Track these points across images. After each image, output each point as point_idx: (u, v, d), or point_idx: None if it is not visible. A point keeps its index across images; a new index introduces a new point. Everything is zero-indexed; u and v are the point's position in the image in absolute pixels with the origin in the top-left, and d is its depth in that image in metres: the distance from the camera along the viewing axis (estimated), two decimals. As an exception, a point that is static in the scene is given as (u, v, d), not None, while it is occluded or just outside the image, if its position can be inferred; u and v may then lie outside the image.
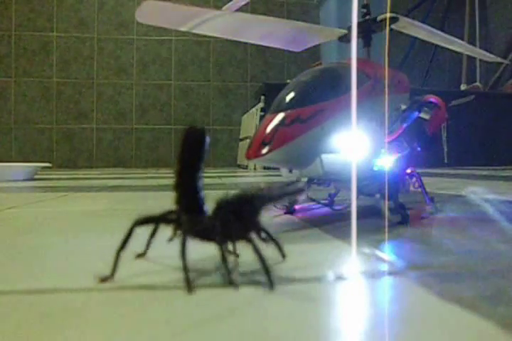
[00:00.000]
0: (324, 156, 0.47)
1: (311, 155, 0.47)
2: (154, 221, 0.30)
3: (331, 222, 0.54)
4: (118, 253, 0.28)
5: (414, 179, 0.61)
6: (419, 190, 0.61)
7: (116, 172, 2.88)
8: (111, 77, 4.13)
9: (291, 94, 0.48)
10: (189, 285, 0.25)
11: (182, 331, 0.20)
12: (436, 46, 4.31)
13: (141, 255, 0.33)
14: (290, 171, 0.51)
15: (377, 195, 0.50)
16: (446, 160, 0.94)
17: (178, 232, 0.29)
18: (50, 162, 2.44)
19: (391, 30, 0.63)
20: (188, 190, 0.28)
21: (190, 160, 0.28)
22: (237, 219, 0.27)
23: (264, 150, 0.44)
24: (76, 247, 0.40)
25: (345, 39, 0.59)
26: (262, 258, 0.26)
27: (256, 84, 4.03)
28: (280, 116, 0.46)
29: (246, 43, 4.22)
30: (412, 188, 0.62)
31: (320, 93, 0.48)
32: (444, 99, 0.79)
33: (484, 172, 2.05)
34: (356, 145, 0.49)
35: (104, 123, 4.09)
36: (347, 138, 0.48)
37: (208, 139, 0.28)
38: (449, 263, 0.33)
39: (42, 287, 0.27)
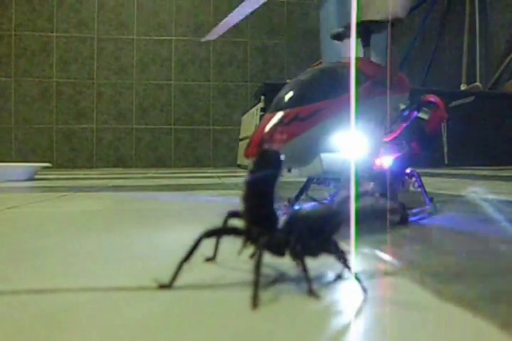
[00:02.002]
0: (324, 155, 0.47)
1: (311, 154, 0.47)
2: (222, 233, 0.29)
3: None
4: (181, 264, 0.27)
5: (413, 179, 0.61)
6: (419, 190, 0.61)
7: (116, 172, 2.88)
8: (111, 77, 4.13)
9: (290, 93, 0.48)
10: (255, 301, 0.23)
11: (181, 331, 0.20)
12: (436, 46, 4.32)
13: (210, 259, 0.33)
14: (289, 170, 0.51)
15: (377, 195, 0.50)
16: (446, 161, 0.94)
17: (247, 244, 0.28)
18: (50, 162, 2.44)
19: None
20: (256, 203, 0.27)
21: (262, 181, 0.27)
22: (312, 236, 0.27)
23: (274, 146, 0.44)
24: (76, 247, 0.40)
25: (339, 37, 0.59)
26: (349, 267, 0.26)
27: (256, 84, 4.03)
28: (279, 115, 0.46)
29: (246, 43, 4.23)
30: (411, 188, 0.62)
31: (319, 92, 0.48)
32: (444, 99, 0.78)
33: (484, 173, 2.05)
34: (355, 145, 0.49)
35: (104, 123, 4.09)
36: (346, 137, 0.48)
37: (282, 165, 0.27)
38: (449, 263, 0.33)
39: (42, 287, 0.27)
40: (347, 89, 0.49)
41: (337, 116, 0.47)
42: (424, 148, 0.59)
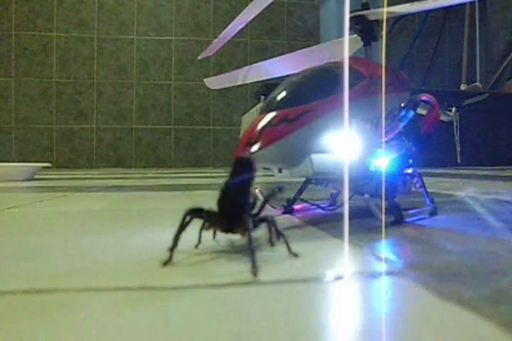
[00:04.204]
0: (314, 156, 0.47)
1: (299, 155, 0.47)
2: (203, 213, 0.35)
3: (330, 222, 0.54)
4: (175, 239, 0.33)
5: (415, 179, 0.60)
6: (420, 190, 0.61)
7: (116, 172, 2.88)
8: (111, 77, 4.13)
9: (281, 95, 0.49)
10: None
11: (181, 331, 0.20)
12: (436, 46, 4.32)
13: (196, 246, 0.38)
14: (280, 171, 0.52)
15: (367, 195, 0.50)
16: (459, 161, 0.93)
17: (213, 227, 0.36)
18: (50, 162, 2.44)
19: (391, 31, 0.63)
20: (226, 196, 0.34)
21: (237, 182, 0.33)
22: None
23: (250, 150, 0.45)
24: (76, 247, 0.40)
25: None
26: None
27: (256, 84, 4.02)
28: (268, 116, 0.47)
29: (246, 43, 4.22)
30: (413, 189, 0.62)
31: (308, 93, 0.48)
32: (445, 99, 0.78)
33: (485, 173, 2.05)
34: (347, 145, 0.49)
35: (104, 123, 4.09)
36: (337, 138, 0.48)
37: (255, 169, 0.34)
38: (449, 263, 0.33)
39: (42, 287, 0.27)
40: (337, 90, 0.49)
41: (327, 116, 0.47)
42: (419, 148, 0.58)
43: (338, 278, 0.29)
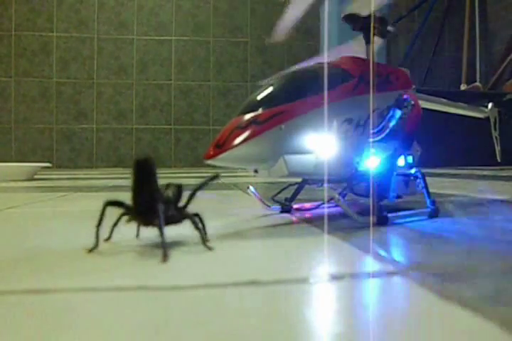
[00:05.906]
0: (288, 157, 0.48)
1: (270, 155, 0.48)
2: (120, 205, 0.39)
3: (329, 221, 0.54)
4: (97, 228, 0.37)
5: (418, 180, 0.60)
6: (422, 191, 0.60)
7: (116, 172, 2.88)
8: (111, 77, 4.13)
9: (256, 98, 0.49)
10: (165, 255, 0.33)
11: (180, 331, 0.20)
12: (436, 46, 4.32)
13: (106, 239, 0.40)
14: (256, 171, 0.52)
15: (336, 196, 0.50)
16: (499, 159, 0.91)
17: (132, 221, 0.40)
18: (50, 162, 2.44)
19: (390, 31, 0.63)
20: (140, 195, 0.38)
21: (142, 179, 0.37)
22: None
23: (217, 152, 0.46)
24: (76, 247, 0.40)
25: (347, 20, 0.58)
26: (198, 228, 0.38)
27: (256, 84, 4.02)
28: (240, 119, 0.47)
29: (246, 43, 4.23)
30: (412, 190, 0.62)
31: (282, 96, 0.49)
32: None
33: (484, 173, 2.05)
34: (323, 146, 0.49)
35: (104, 123, 4.09)
36: (314, 138, 0.49)
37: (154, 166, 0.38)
38: (449, 263, 0.33)
39: (42, 287, 0.27)
40: (317, 91, 0.49)
41: (300, 118, 0.48)
42: (404, 147, 0.58)
43: (338, 277, 0.29)
